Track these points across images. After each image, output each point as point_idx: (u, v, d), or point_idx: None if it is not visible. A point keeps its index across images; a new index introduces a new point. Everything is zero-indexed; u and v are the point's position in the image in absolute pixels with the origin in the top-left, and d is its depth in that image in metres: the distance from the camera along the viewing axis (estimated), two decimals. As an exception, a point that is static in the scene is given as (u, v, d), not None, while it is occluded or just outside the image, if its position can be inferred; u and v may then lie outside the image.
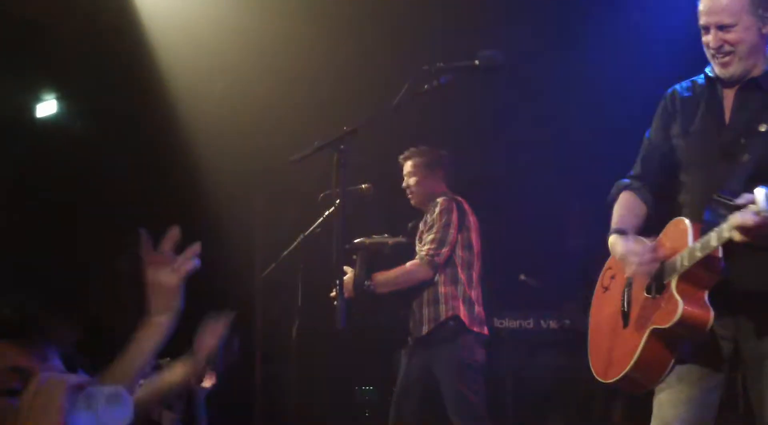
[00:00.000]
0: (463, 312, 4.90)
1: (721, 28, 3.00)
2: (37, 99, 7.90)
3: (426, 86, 3.31)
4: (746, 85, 3.06)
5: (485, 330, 5.01)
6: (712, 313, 2.87)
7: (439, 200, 5.04)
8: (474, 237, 5.04)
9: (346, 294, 4.83)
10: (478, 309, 4.98)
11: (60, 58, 6.93)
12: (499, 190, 6.83)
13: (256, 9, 6.51)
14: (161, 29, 6.66)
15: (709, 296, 2.91)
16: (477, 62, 3.29)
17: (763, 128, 2.96)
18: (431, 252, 4.91)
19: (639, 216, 3.26)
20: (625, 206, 3.28)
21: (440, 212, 4.97)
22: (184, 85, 6.83)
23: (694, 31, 3.15)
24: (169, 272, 2.45)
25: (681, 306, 2.87)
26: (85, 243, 7.20)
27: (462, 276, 4.97)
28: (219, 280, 6.61)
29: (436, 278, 4.94)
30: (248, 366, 7.34)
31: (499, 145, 7.07)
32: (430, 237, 4.94)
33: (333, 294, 4.73)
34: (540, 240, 6.86)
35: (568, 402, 6.61)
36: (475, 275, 5.03)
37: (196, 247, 2.52)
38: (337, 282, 3.42)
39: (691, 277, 2.91)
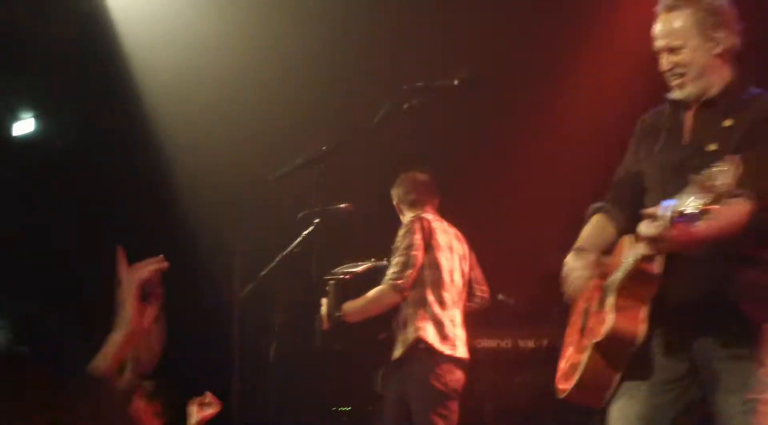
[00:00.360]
0: (430, 334, 4.86)
1: (671, 50, 3.06)
2: (14, 117, 7.86)
3: (406, 105, 3.33)
4: (702, 106, 3.10)
5: (460, 352, 4.95)
6: (643, 327, 2.91)
7: (406, 221, 5.04)
8: (440, 257, 5.00)
9: (324, 327, 4.84)
10: (451, 329, 4.93)
11: (36, 74, 6.89)
12: (476, 208, 6.84)
13: (238, 23, 6.51)
14: (139, 43, 6.63)
15: (659, 309, 2.94)
16: (456, 81, 3.30)
17: (712, 147, 2.99)
18: (395, 276, 4.89)
19: (605, 237, 3.29)
20: (592, 227, 3.33)
21: (403, 234, 4.97)
22: (163, 99, 6.81)
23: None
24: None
25: (611, 319, 2.92)
26: (63, 261, 7.14)
27: (430, 297, 4.93)
28: (197, 299, 6.57)
29: (406, 301, 4.92)
30: (225, 386, 7.28)
31: (476, 161, 7.09)
32: (395, 260, 4.93)
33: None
34: (517, 259, 6.86)
35: (547, 422, 6.60)
36: (446, 295, 4.98)
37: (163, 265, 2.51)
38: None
39: (627, 291, 2.94)
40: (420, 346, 4.84)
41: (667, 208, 2.69)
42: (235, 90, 6.81)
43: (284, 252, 5.08)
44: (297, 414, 7.15)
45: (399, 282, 4.86)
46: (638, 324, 2.92)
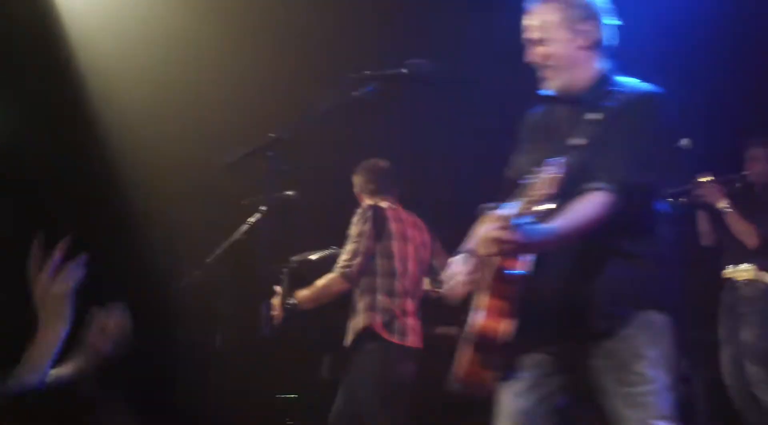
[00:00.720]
0: (378, 323, 4.87)
1: (538, 42, 3.09)
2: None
3: (354, 94, 3.32)
4: (569, 100, 3.12)
5: (411, 341, 4.95)
6: (507, 325, 2.91)
7: (359, 209, 5.04)
8: (393, 245, 5.01)
9: (275, 314, 4.83)
10: (402, 318, 4.94)
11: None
12: (431, 198, 6.86)
13: (183, 11, 6.44)
14: (82, 30, 6.51)
15: (531, 306, 2.94)
16: (405, 70, 3.29)
17: (573, 141, 3.01)
18: (344, 263, 4.90)
19: None
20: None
21: (356, 222, 4.97)
22: (107, 87, 6.71)
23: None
24: (59, 282, 2.43)
25: (480, 318, 2.94)
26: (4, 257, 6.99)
27: (380, 285, 4.95)
28: (141, 287, 6.50)
29: (357, 289, 4.93)
30: (170, 374, 7.23)
31: (434, 153, 7.10)
32: (346, 248, 4.94)
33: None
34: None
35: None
36: (399, 284, 4.98)
37: (82, 257, 2.51)
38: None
39: (494, 290, 2.95)
40: (368, 334, 4.85)
41: (503, 212, 2.74)
42: (181, 77, 6.74)
43: (230, 240, 5.05)
44: (242, 402, 7.12)
45: (347, 270, 4.87)
46: (503, 322, 2.92)
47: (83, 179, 6.72)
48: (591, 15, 3.08)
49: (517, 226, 2.71)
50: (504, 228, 2.71)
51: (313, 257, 5.09)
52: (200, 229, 7.12)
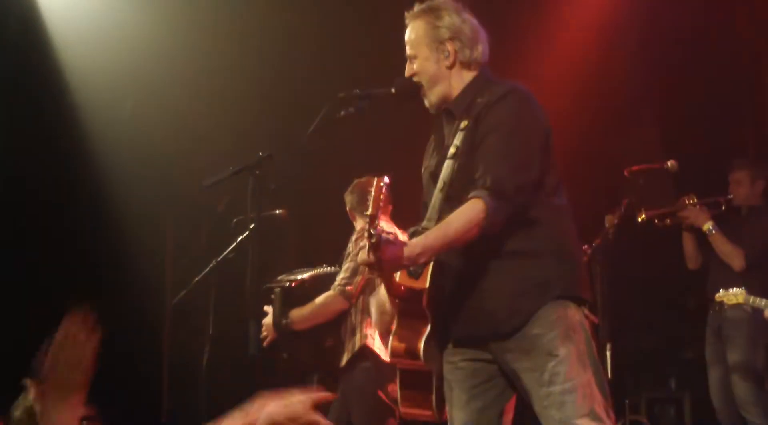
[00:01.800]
0: (376, 342, 4.85)
1: (410, 59, 3.21)
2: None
3: (342, 113, 3.32)
4: (445, 113, 3.23)
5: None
6: (419, 343, 2.98)
7: (358, 228, 5.03)
8: None
9: (268, 336, 4.79)
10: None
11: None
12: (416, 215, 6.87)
13: (172, 26, 6.44)
14: (69, 45, 6.50)
15: (444, 318, 3.04)
16: (393, 90, 3.30)
17: (450, 151, 3.10)
18: (343, 282, 4.87)
19: None
20: None
21: (354, 241, 4.96)
22: (93, 103, 6.68)
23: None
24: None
25: (391, 341, 3.05)
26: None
27: None
28: (129, 306, 6.47)
29: (354, 308, 4.91)
30: (156, 393, 7.19)
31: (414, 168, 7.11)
32: (344, 266, 4.92)
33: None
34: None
35: None
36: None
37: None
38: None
39: (400, 310, 3.06)
40: (365, 354, 4.84)
41: (375, 232, 2.80)
42: (169, 95, 6.73)
43: (218, 258, 5.04)
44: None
45: (347, 288, 4.85)
46: (417, 340, 2.99)
47: (70, 196, 6.69)
48: (457, 35, 3.17)
49: (380, 245, 2.77)
50: (372, 248, 2.79)
51: (305, 276, 5.05)
52: (188, 247, 7.10)
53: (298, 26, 6.56)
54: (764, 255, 5.66)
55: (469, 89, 3.17)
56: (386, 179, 2.87)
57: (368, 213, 2.83)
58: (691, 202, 5.76)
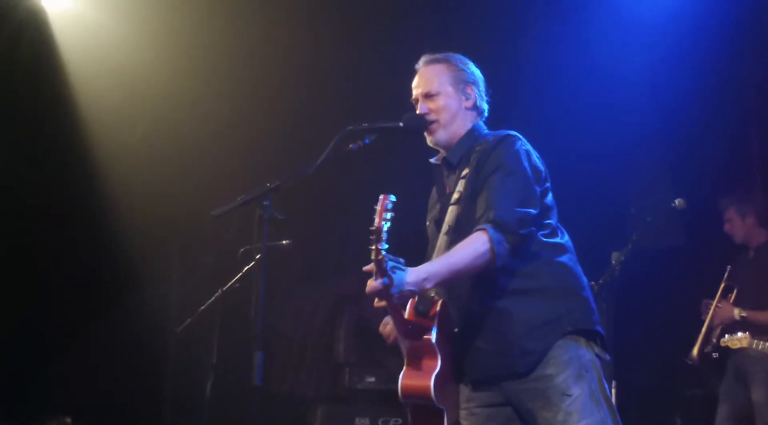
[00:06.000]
0: None
1: (428, 96, 3.35)
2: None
3: (351, 146, 3.35)
4: (444, 162, 3.38)
5: None
6: (428, 381, 3.05)
7: None
8: None
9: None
10: None
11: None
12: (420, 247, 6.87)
13: (184, 52, 6.47)
14: (81, 70, 6.53)
15: (457, 356, 3.13)
16: (401, 124, 3.34)
17: (455, 197, 3.24)
18: None
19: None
20: None
21: None
22: (104, 128, 6.71)
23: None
24: None
25: (400, 379, 3.11)
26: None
27: None
28: (133, 333, 6.46)
29: None
30: (158, 422, 7.16)
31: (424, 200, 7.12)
32: None
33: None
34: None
35: None
36: None
37: None
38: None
39: (409, 347, 3.13)
40: None
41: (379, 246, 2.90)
42: (176, 123, 6.76)
43: (224, 288, 5.04)
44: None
45: None
46: (427, 378, 3.07)
47: (75, 222, 6.70)
48: (474, 80, 3.42)
49: (385, 273, 2.87)
50: (377, 278, 2.89)
51: None
52: (193, 276, 7.10)
53: (313, 55, 6.59)
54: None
55: (468, 138, 3.35)
56: (392, 197, 2.98)
57: (372, 228, 2.86)
58: (712, 304, 5.83)
